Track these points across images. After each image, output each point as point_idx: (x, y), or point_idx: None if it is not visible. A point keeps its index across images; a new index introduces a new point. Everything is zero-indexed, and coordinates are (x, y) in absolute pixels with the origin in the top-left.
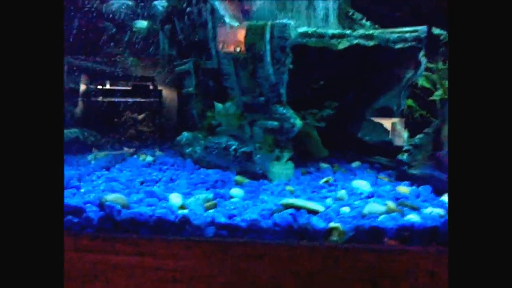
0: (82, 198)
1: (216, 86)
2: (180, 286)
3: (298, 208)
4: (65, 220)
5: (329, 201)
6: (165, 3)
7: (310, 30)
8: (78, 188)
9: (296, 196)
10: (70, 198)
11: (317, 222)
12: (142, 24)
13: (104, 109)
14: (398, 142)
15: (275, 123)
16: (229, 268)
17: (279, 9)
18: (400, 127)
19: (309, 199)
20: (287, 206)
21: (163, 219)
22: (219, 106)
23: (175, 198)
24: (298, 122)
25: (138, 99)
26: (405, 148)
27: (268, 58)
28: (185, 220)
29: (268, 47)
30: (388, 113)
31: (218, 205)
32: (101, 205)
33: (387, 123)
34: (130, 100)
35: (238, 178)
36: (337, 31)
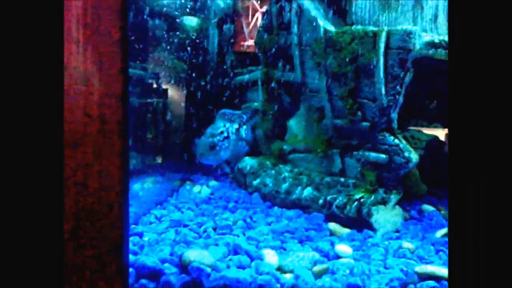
0: (154, 254)
1: (293, 103)
2: None
3: (438, 278)
4: (138, 285)
5: None
6: None
7: (437, 38)
8: (140, 235)
9: (420, 258)
10: (141, 254)
11: None
12: (191, 21)
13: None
14: None
15: (383, 156)
16: None
17: (382, 9)
18: None
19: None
20: (425, 277)
21: None
22: (293, 125)
23: (271, 257)
24: (414, 157)
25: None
26: None
27: (381, 74)
28: None
29: (381, 59)
30: None
31: (330, 269)
32: (183, 266)
33: None
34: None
35: (334, 227)
36: None
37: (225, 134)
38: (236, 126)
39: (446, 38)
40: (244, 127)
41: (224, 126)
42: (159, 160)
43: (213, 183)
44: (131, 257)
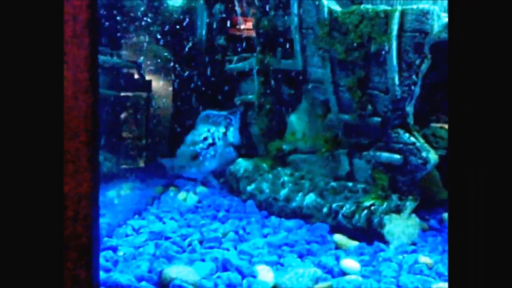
0: (130, 270)
1: (293, 95)
2: None
3: None
4: None
5: None
6: None
7: None
8: (115, 250)
9: (439, 275)
10: (114, 271)
11: None
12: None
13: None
14: None
15: (397, 156)
16: None
17: None
18: None
19: None
20: None
21: None
22: (294, 121)
23: (266, 274)
24: (433, 157)
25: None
26: None
27: (394, 61)
28: None
29: (395, 44)
30: None
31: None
32: (163, 284)
33: None
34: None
35: (339, 239)
36: None
37: (210, 141)
38: (222, 129)
39: None
40: (231, 129)
41: (209, 131)
42: (138, 162)
43: (200, 189)
44: (103, 275)
